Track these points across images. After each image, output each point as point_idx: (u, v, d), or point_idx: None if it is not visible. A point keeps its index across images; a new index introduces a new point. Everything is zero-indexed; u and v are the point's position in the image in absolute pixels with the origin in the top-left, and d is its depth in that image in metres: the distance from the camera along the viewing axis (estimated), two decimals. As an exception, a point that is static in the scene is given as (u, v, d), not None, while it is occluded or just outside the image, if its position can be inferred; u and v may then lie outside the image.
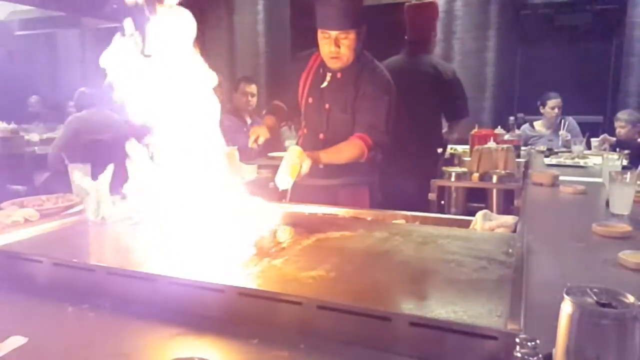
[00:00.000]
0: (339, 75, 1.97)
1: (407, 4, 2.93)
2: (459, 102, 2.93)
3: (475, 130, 3.24)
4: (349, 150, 1.88)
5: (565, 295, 0.59)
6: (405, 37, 2.91)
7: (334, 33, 1.85)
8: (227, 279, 0.94)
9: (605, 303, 0.57)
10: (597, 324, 0.55)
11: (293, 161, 1.65)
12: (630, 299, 0.58)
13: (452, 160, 3.15)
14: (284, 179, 1.64)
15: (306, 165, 1.67)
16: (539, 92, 4.38)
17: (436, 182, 2.69)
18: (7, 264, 1.10)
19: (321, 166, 1.84)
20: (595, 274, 1.13)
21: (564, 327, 0.58)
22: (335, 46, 1.86)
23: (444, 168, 2.84)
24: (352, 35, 1.85)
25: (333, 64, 1.93)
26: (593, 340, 0.57)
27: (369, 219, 1.51)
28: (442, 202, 2.83)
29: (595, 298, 0.58)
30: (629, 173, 1.65)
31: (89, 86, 3.84)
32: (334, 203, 1.79)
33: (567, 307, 0.58)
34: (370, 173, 2.07)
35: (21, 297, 1.01)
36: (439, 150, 3.01)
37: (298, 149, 1.72)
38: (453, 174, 2.74)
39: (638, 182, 1.70)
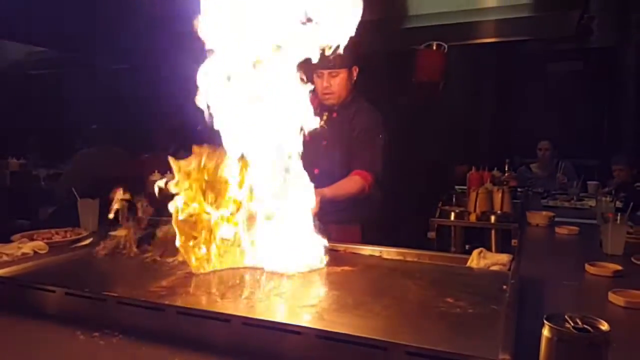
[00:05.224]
0: (335, 114, 2.12)
1: (422, 47, 3.06)
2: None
3: (472, 171, 3.32)
4: (350, 186, 1.98)
5: (545, 321, 0.64)
6: (413, 80, 3.03)
7: (325, 72, 2.03)
8: (233, 308, 0.98)
9: (581, 328, 0.62)
10: (573, 347, 0.60)
11: None
12: (605, 325, 0.62)
13: (450, 200, 3.20)
14: None
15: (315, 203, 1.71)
16: (534, 135, 4.51)
17: (435, 221, 2.74)
18: (19, 292, 1.15)
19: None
20: (586, 311, 1.17)
21: (543, 350, 0.63)
22: (327, 83, 2.05)
23: (441, 207, 2.88)
24: (342, 74, 2.05)
25: (326, 100, 2.10)
26: (570, 362, 0.61)
27: (368, 255, 1.55)
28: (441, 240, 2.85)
29: (572, 324, 0.63)
30: (619, 215, 1.71)
31: (98, 124, 3.96)
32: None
33: (546, 332, 0.63)
34: (363, 211, 2.12)
35: (33, 325, 1.05)
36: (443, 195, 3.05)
37: None
38: (452, 213, 2.80)
39: (629, 224, 1.75)
